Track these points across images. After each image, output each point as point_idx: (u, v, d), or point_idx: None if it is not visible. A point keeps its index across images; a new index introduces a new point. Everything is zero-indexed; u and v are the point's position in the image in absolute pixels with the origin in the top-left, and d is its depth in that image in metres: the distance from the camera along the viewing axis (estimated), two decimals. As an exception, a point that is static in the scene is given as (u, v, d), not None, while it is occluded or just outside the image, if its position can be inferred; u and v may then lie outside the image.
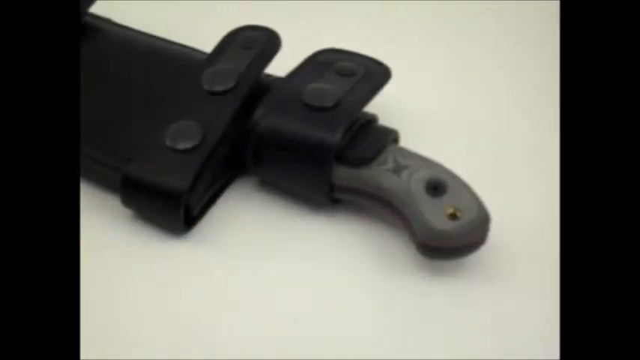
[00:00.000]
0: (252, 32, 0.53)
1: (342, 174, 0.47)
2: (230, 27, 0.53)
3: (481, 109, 0.56)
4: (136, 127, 0.50)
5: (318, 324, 0.44)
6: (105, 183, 0.50)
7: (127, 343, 0.44)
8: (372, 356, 0.43)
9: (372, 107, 0.49)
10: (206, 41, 0.53)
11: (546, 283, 0.45)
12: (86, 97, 0.45)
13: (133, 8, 0.61)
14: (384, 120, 0.50)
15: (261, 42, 0.52)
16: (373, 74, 0.50)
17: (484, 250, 0.45)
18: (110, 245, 0.48)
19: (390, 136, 0.48)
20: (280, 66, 0.51)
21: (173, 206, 0.47)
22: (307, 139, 0.47)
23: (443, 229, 0.44)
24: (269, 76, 0.52)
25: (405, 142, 0.49)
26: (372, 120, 0.49)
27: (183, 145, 0.47)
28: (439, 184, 0.45)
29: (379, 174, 0.46)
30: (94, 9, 0.57)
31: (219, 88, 0.50)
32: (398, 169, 0.46)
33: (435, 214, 0.44)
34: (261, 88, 0.50)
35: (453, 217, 0.44)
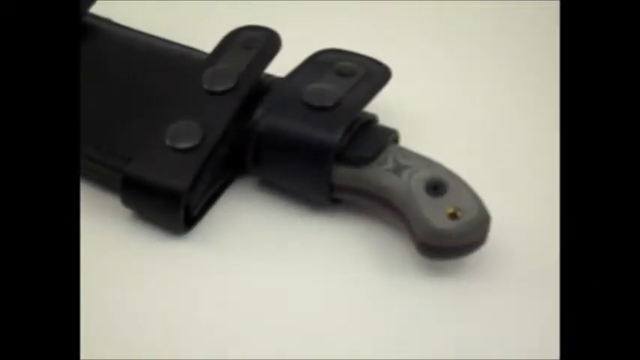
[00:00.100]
0: (252, 32, 0.53)
1: (342, 174, 0.47)
2: (230, 27, 0.53)
3: (481, 109, 0.56)
4: (136, 127, 0.50)
5: (317, 324, 0.44)
6: (105, 183, 0.50)
7: (127, 343, 0.44)
8: (372, 356, 0.43)
9: (372, 107, 0.49)
10: (206, 41, 0.53)
11: (546, 283, 0.45)
12: (86, 97, 0.46)
13: (133, 8, 0.61)
14: (384, 120, 0.50)
15: (261, 42, 0.52)
16: (373, 74, 0.50)
17: (484, 250, 0.45)
18: (110, 245, 0.48)
19: (390, 136, 0.48)
20: (280, 66, 0.51)
21: (173, 206, 0.47)
22: (307, 139, 0.47)
23: (443, 229, 0.44)
24: (269, 76, 0.52)
25: (405, 142, 0.49)
26: (372, 120, 0.49)
27: (183, 145, 0.47)
28: (439, 184, 0.45)
29: (379, 174, 0.46)
30: (94, 9, 0.57)
31: (219, 88, 0.50)
32: (398, 169, 0.46)
33: (435, 214, 0.44)
34: (261, 88, 0.50)
35: (453, 216, 0.44)
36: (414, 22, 0.63)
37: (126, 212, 0.49)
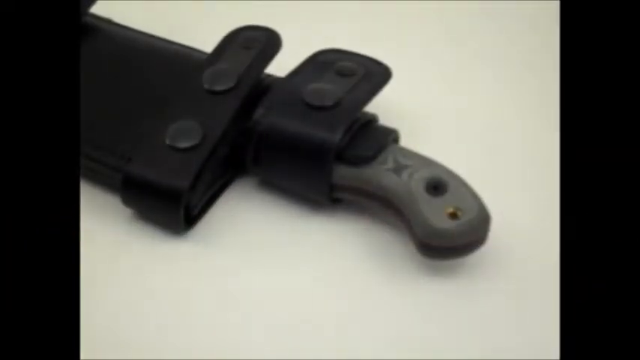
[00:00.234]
0: (252, 32, 0.53)
1: (343, 173, 0.47)
2: (230, 27, 0.53)
3: (481, 109, 0.56)
4: (136, 126, 0.50)
5: (317, 323, 0.44)
6: (105, 183, 0.50)
7: (127, 343, 0.44)
8: (372, 356, 0.43)
9: (372, 107, 0.49)
10: (206, 41, 0.53)
11: (546, 283, 0.45)
12: (86, 97, 0.45)
13: (133, 8, 0.61)
14: (384, 120, 0.50)
15: (261, 42, 0.52)
16: (373, 74, 0.50)
17: (484, 249, 0.45)
18: (110, 245, 0.48)
19: (390, 136, 0.48)
20: (280, 66, 0.51)
21: (173, 205, 0.47)
22: (307, 138, 0.47)
23: (443, 229, 0.44)
24: (269, 76, 0.52)
25: (405, 142, 0.49)
26: (372, 120, 0.49)
27: (183, 145, 0.47)
28: (439, 184, 0.45)
29: (379, 173, 0.46)
30: (95, 9, 0.57)
31: (219, 88, 0.50)
32: (398, 169, 0.46)
33: (435, 214, 0.44)
34: (262, 88, 0.50)
35: (453, 216, 0.44)
36: (414, 22, 0.63)
37: (126, 212, 0.49)
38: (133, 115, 0.51)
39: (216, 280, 0.46)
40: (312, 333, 0.44)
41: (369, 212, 0.49)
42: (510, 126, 0.54)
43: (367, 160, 0.46)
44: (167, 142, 0.48)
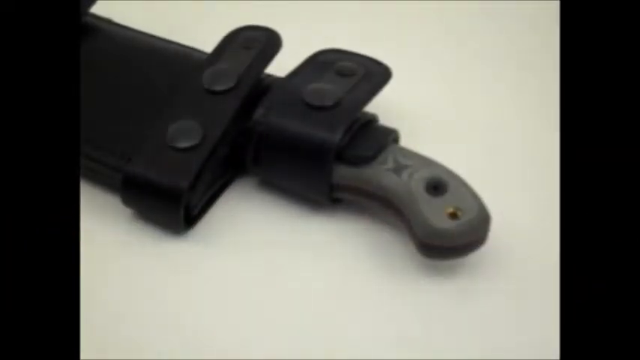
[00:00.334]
0: (252, 32, 0.53)
1: (343, 173, 0.47)
2: (230, 27, 0.53)
3: (481, 109, 0.56)
4: (136, 126, 0.50)
5: (317, 324, 0.44)
6: (105, 183, 0.50)
7: (127, 343, 0.44)
8: (372, 356, 0.43)
9: (372, 107, 0.49)
10: (206, 41, 0.53)
11: (546, 283, 0.45)
12: (86, 97, 0.45)
13: (133, 8, 0.61)
14: (384, 120, 0.50)
15: (261, 42, 0.52)
16: (373, 74, 0.50)
17: (484, 249, 0.45)
18: (110, 245, 0.48)
19: (390, 136, 0.48)
20: (280, 66, 0.51)
21: (173, 205, 0.47)
22: (307, 138, 0.47)
23: (443, 229, 0.44)
24: (269, 76, 0.52)
25: (405, 142, 0.49)
26: (372, 120, 0.49)
27: (183, 144, 0.47)
28: (439, 184, 0.45)
29: (379, 173, 0.46)
30: (95, 9, 0.57)
31: (219, 88, 0.50)
32: (398, 169, 0.46)
33: (435, 214, 0.44)
34: (261, 88, 0.50)
35: (453, 216, 0.44)
36: (414, 22, 0.63)
37: (126, 212, 0.49)
38: (133, 115, 0.51)
39: (216, 280, 0.46)
40: (312, 333, 0.44)
41: (369, 212, 0.49)
42: (510, 126, 0.54)
43: (367, 160, 0.46)
44: (167, 142, 0.48)
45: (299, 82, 0.50)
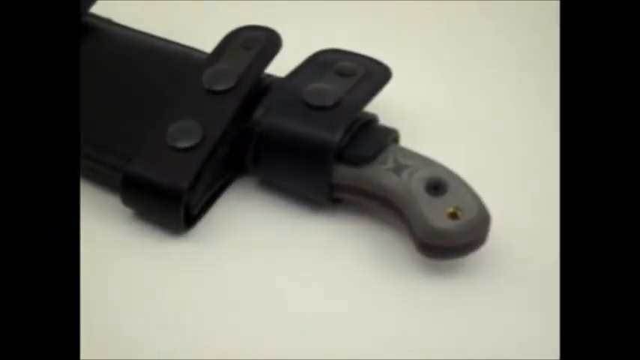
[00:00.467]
0: (252, 32, 0.53)
1: (343, 173, 0.47)
2: (230, 27, 0.53)
3: (481, 109, 0.56)
4: (136, 126, 0.50)
5: (318, 323, 0.44)
6: (105, 182, 0.50)
7: (127, 343, 0.44)
8: (372, 356, 0.43)
9: (372, 107, 0.49)
10: (206, 41, 0.53)
11: (546, 283, 0.45)
12: (86, 96, 0.45)
13: (133, 8, 0.61)
14: (384, 120, 0.50)
15: (261, 42, 0.52)
16: (373, 74, 0.50)
17: (484, 249, 0.45)
18: (110, 245, 0.48)
19: (390, 136, 0.48)
20: (280, 66, 0.51)
21: (173, 205, 0.47)
22: (307, 138, 0.47)
23: (443, 228, 0.44)
24: (269, 76, 0.52)
25: (405, 142, 0.49)
26: (372, 120, 0.49)
27: (183, 144, 0.47)
28: (439, 184, 0.45)
29: (379, 173, 0.46)
30: (95, 9, 0.57)
31: (219, 88, 0.50)
32: (398, 169, 0.46)
33: (435, 214, 0.44)
34: (261, 88, 0.50)
35: (453, 216, 0.44)
36: (414, 22, 0.63)
37: (126, 212, 0.49)
38: (133, 115, 0.51)
39: (216, 279, 0.46)
40: (312, 333, 0.44)
41: (369, 212, 0.49)
42: (510, 126, 0.54)
43: (367, 160, 0.46)
44: (167, 142, 0.48)
45: (299, 82, 0.50)
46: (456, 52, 0.60)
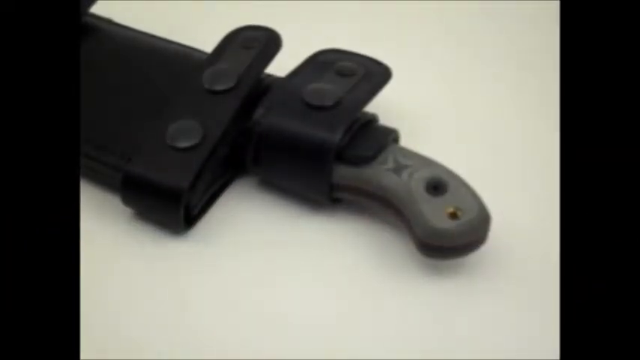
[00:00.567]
0: (252, 32, 0.53)
1: (343, 173, 0.47)
2: (230, 27, 0.53)
3: (481, 109, 0.56)
4: (136, 126, 0.50)
5: (318, 324, 0.44)
6: (105, 182, 0.50)
7: (127, 343, 0.44)
8: (372, 356, 0.43)
9: (372, 107, 0.49)
10: (206, 41, 0.53)
11: (546, 283, 0.45)
12: (86, 96, 0.45)
13: (133, 8, 0.61)
14: (384, 120, 0.50)
15: (261, 42, 0.52)
16: (373, 74, 0.50)
17: (484, 249, 0.45)
18: (110, 245, 0.48)
19: (390, 136, 0.48)
20: (280, 66, 0.51)
21: (173, 205, 0.47)
22: (307, 138, 0.47)
23: (443, 228, 0.44)
24: (269, 76, 0.52)
25: (405, 142, 0.49)
26: (372, 120, 0.49)
27: (183, 144, 0.47)
28: (439, 184, 0.45)
29: (379, 173, 0.46)
30: (95, 9, 0.57)
31: (219, 88, 0.50)
32: (398, 169, 0.46)
33: (436, 214, 0.44)
34: (261, 88, 0.50)
35: (453, 216, 0.44)
36: (414, 22, 0.63)
37: (126, 212, 0.49)
38: (133, 115, 0.51)
39: (216, 280, 0.46)
40: (311, 332, 0.44)
41: (369, 212, 0.49)
42: (510, 126, 0.54)
43: (367, 160, 0.46)
44: (167, 141, 0.48)
45: (299, 82, 0.50)
46: (456, 52, 0.60)
